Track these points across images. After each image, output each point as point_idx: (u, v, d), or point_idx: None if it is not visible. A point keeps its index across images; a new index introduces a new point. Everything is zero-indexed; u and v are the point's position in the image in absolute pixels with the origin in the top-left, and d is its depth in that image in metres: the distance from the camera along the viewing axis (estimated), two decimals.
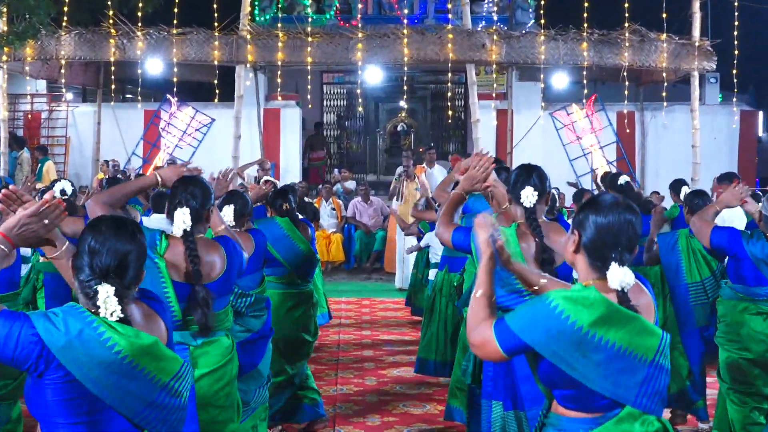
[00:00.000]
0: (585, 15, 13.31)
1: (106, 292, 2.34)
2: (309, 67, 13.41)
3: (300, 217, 6.03)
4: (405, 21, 14.01)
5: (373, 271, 13.21)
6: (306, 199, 10.17)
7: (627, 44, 13.30)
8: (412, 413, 6.16)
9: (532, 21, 15.68)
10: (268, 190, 5.70)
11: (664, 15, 13.61)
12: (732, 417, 4.81)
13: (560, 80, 15.16)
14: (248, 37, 13.32)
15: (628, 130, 15.01)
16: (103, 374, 2.31)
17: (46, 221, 2.55)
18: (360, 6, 15.67)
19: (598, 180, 9.02)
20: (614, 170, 12.62)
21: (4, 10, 12.10)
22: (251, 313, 4.42)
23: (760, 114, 18.17)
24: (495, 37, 13.21)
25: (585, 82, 13.89)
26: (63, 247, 2.70)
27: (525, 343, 2.42)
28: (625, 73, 13.49)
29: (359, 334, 8.98)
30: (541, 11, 13.92)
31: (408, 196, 12.04)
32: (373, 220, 13.50)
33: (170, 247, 3.50)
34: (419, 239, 8.68)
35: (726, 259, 4.89)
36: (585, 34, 13.31)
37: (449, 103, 15.91)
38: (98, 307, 2.35)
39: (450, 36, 13.19)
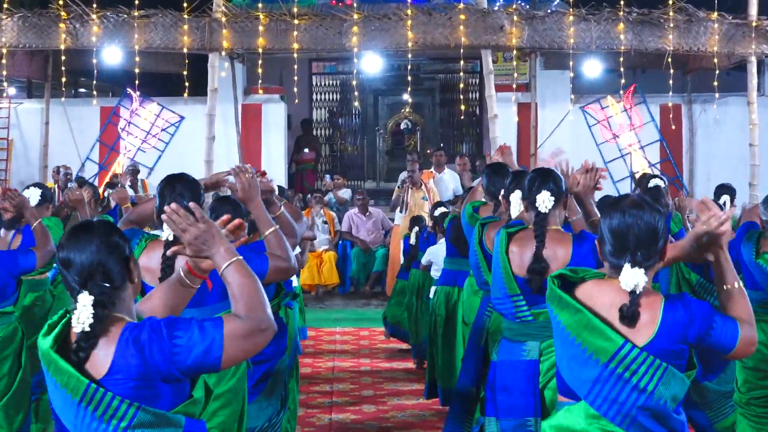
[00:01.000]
0: None
1: (83, 304, 2.49)
2: (295, 55, 13.04)
3: None
4: (408, 0, 13.33)
5: (372, 296, 12.70)
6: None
7: (671, 25, 12.63)
8: None
9: None
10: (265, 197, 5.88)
11: None
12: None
13: (593, 68, 14.59)
14: (223, 20, 12.67)
15: (673, 127, 14.45)
16: None
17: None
18: None
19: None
20: (657, 173, 12.10)
21: None
22: None
23: None
24: (515, 17, 12.55)
25: (622, 70, 13.24)
26: None
27: None
28: (669, 60, 12.79)
29: (356, 362, 8.96)
30: None
31: (413, 206, 11.66)
32: (372, 236, 13.10)
33: (147, 250, 3.81)
34: (417, 255, 8.65)
35: None
36: (622, 13, 12.60)
37: (461, 96, 15.93)
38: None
39: (462, 17, 12.49)
